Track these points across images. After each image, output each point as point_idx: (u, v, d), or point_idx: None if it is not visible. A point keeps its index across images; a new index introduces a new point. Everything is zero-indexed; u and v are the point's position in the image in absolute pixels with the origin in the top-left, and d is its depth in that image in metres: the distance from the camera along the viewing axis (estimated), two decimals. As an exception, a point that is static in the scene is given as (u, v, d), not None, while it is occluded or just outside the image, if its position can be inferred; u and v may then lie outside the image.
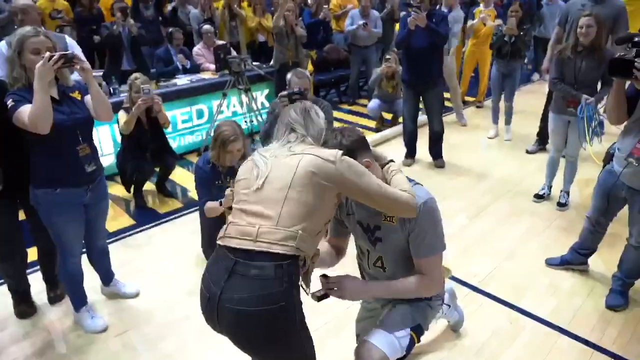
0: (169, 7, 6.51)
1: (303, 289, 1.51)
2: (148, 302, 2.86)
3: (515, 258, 3.21)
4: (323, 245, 1.91)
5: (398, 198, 1.52)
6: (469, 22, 6.41)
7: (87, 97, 2.30)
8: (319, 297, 1.64)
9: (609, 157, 2.68)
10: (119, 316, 2.74)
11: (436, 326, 2.50)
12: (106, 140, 4.51)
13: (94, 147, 2.40)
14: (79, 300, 2.60)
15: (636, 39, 2.15)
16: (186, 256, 3.32)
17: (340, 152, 1.49)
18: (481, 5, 6.56)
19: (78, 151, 2.27)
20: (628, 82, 2.29)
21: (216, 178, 2.96)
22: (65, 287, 2.64)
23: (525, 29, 4.96)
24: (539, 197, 4.00)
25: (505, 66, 5.10)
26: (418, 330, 1.79)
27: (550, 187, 4.03)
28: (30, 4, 3.29)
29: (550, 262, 3.11)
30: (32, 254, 2.76)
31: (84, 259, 2.63)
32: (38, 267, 2.84)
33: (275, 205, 1.43)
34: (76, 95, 2.30)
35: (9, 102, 2.08)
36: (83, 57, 2.99)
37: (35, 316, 2.72)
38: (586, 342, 2.46)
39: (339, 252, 1.96)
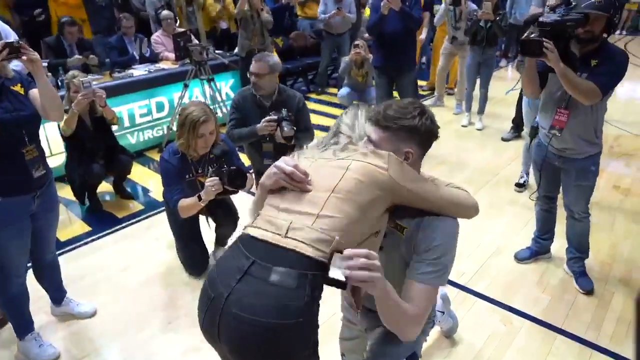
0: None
1: (352, 308, 1.29)
2: (108, 322, 2.53)
3: (502, 254, 3.08)
4: None
5: (458, 199, 1.35)
6: (438, 8, 6.26)
7: (33, 92, 1.99)
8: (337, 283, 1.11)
9: (534, 131, 2.78)
10: (74, 340, 2.41)
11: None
12: (54, 138, 4.07)
13: (42, 149, 2.09)
14: (24, 327, 2.26)
15: (540, 19, 2.23)
16: (151, 266, 3.01)
17: (390, 154, 1.26)
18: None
19: (24, 154, 1.96)
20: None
21: (187, 171, 2.63)
22: (7, 312, 2.28)
23: (502, 14, 4.82)
24: (519, 185, 3.91)
25: (480, 53, 4.95)
26: (413, 358, 1.63)
27: (528, 174, 3.94)
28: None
29: (520, 257, 3.02)
30: None
31: (30, 276, 2.29)
32: None
33: (314, 207, 1.21)
34: (18, 88, 1.98)
35: None
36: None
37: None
38: (583, 342, 2.35)
39: None
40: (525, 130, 3.92)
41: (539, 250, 2.99)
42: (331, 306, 1.82)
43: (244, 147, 3.24)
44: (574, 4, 2.25)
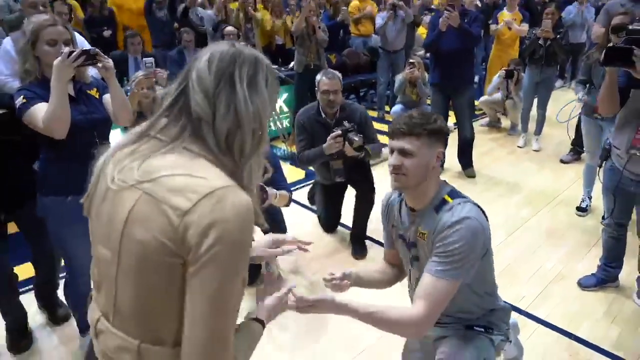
0: (180, 8, 6.32)
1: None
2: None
3: (564, 280, 2.92)
4: (378, 263, 1.75)
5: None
6: (493, 27, 6.16)
7: (106, 97, 2.08)
8: None
9: (605, 153, 2.59)
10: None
11: None
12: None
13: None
14: (86, 323, 2.33)
15: (630, 27, 2.13)
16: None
17: None
18: (505, 9, 6.33)
19: (94, 154, 2.03)
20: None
21: None
22: (71, 307, 2.36)
23: (562, 32, 4.68)
24: (581, 209, 3.73)
25: (538, 72, 4.80)
26: None
27: (590, 198, 3.77)
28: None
29: (585, 284, 2.85)
30: (27, 270, 2.50)
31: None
32: (32, 285, 2.57)
33: None
34: (94, 93, 2.08)
35: (19, 100, 1.85)
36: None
37: (33, 345, 2.40)
38: (660, 380, 2.18)
39: (397, 266, 1.74)
40: (585, 153, 3.74)
41: (605, 278, 2.82)
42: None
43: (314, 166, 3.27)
44: None
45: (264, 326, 1.09)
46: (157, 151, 0.91)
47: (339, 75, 3.07)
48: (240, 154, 0.92)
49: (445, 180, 1.59)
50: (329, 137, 2.89)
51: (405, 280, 1.73)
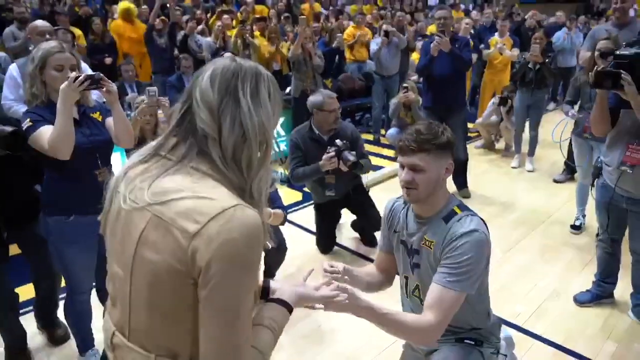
0: (179, 35, 6.48)
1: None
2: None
3: (559, 296, 2.95)
4: (367, 266, 1.74)
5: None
6: (485, 52, 6.33)
7: (109, 120, 2.15)
8: None
9: (597, 171, 2.67)
10: None
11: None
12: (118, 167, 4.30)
13: (113, 173, 2.22)
14: (85, 343, 2.34)
15: (617, 52, 2.22)
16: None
17: None
18: (496, 34, 6.52)
19: (96, 175, 2.09)
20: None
21: None
22: (70, 326, 2.37)
23: (550, 57, 4.83)
24: (575, 228, 3.78)
25: (529, 95, 4.93)
26: None
27: (584, 216, 3.82)
28: (47, 26, 3.17)
29: (581, 300, 2.88)
30: (27, 292, 2.53)
31: (94, 296, 2.39)
32: (31, 307, 2.61)
33: None
34: (97, 116, 2.15)
35: (26, 122, 1.92)
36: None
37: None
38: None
39: (385, 273, 1.74)
40: (578, 172, 3.82)
41: (600, 294, 2.85)
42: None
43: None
44: None
45: (290, 310, 1.08)
46: (165, 172, 0.92)
47: (332, 93, 3.30)
48: (247, 168, 0.93)
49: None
50: (324, 157, 3.03)
51: (397, 286, 1.75)
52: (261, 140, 0.95)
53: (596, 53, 3.06)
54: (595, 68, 2.35)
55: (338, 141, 3.05)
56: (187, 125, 0.95)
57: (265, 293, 1.20)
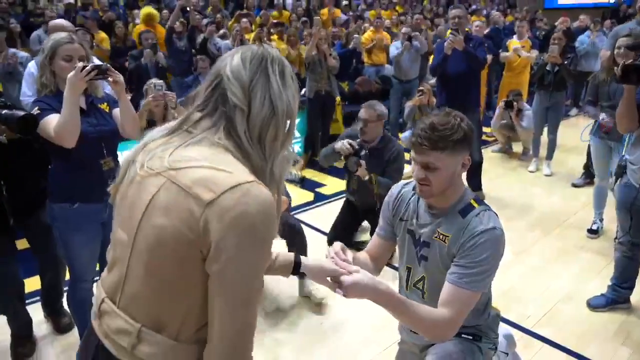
0: (199, 38, 6.58)
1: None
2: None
3: (572, 300, 2.86)
4: (358, 253, 1.65)
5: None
6: (503, 54, 6.24)
7: (115, 111, 2.19)
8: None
9: (621, 171, 2.55)
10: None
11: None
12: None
13: (118, 163, 2.26)
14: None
15: None
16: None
17: None
18: (514, 37, 6.42)
19: (101, 164, 2.13)
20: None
21: None
22: (73, 315, 2.41)
23: (570, 58, 4.72)
24: (592, 232, 3.67)
25: (548, 98, 4.81)
26: None
27: (602, 220, 3.71)
28: (68, 25, 3.25)
29: (594, 304, 2.78)
30: (32, 284, 2.58)
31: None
32: (37, 298, 2.65)
33: None
34: (104, 107, 2.19)
35: (34, 110, 1.97)
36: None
37: (36, 352, 2.45)
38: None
39: (375, 262, 1.65)
40: (596, 174, 3.70)
41: (616, 299, 2.74)
42: (394, 332, 1.79)
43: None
44: None
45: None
46: (188, 141, 0.93)
47: (380, 108, 3.23)
48: (271, 147, 0.95)
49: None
50: (346, 140, 3.18)
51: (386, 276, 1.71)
52: (287, 119, 0.97)
53: (618, 49, 2.98)
54: (622, 62, 2.23)
55: (355, 143, 3.12)
56: (218, 98, 0.96)
57: (296, 268, 1.33)
